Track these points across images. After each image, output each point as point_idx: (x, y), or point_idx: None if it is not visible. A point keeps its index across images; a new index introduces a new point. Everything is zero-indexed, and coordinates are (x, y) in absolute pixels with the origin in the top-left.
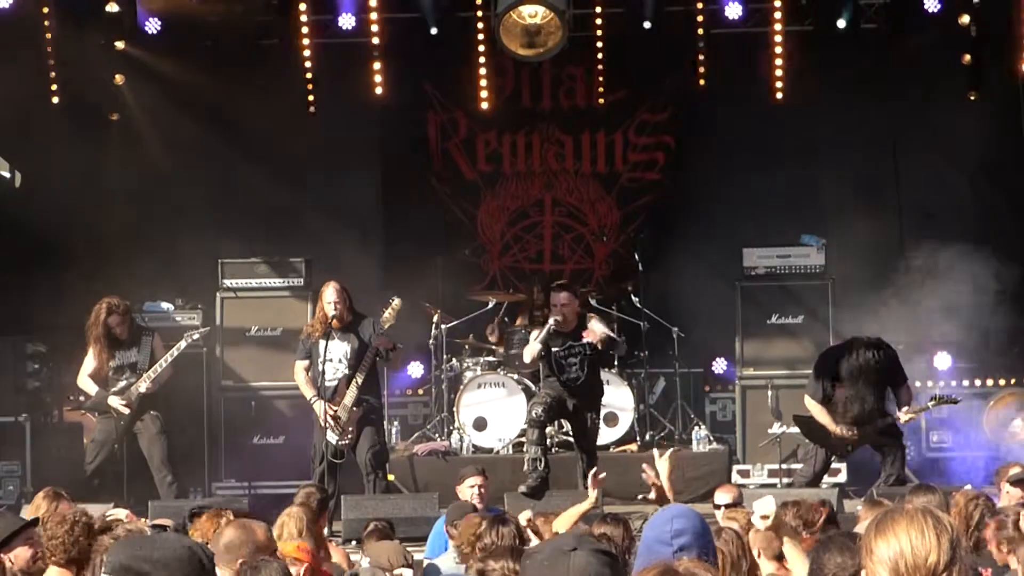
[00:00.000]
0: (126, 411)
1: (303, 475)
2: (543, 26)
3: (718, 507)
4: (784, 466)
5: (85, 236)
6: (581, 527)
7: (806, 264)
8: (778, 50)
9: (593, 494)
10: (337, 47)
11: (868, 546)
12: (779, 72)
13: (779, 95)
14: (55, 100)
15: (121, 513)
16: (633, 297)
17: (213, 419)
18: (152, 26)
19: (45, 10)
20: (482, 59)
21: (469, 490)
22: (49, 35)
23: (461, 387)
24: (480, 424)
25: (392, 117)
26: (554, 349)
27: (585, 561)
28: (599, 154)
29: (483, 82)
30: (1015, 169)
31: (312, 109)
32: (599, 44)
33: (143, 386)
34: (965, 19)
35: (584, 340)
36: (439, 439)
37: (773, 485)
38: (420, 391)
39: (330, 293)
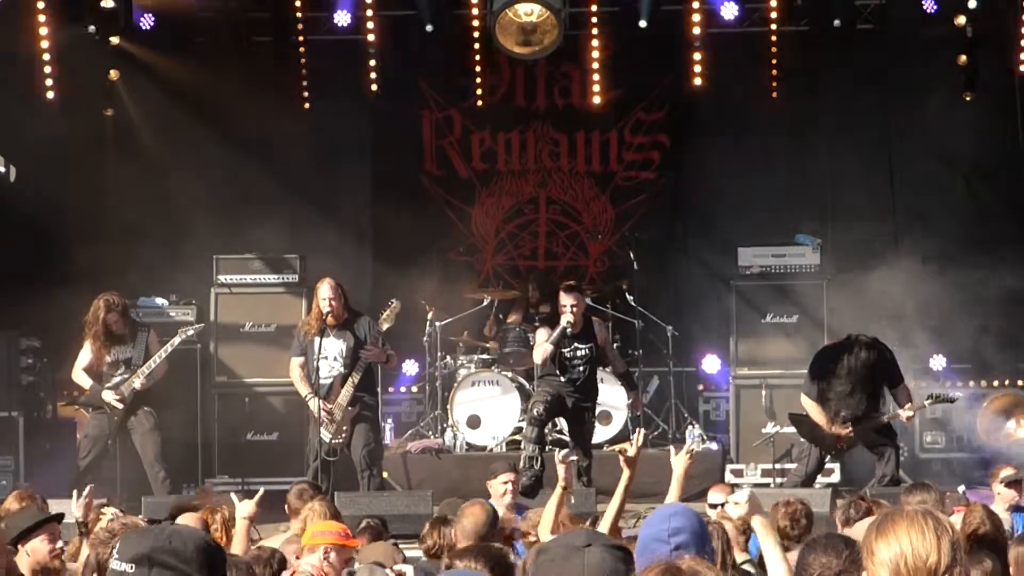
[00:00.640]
0: (120, 406)
1: (297, 471)
2: (539, 24)
3: (713, 507)
4: (778, 466)
5: (79, 231)
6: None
7: (801, 264)
8: (774, 50)
9: (561, 474)
10: (332, 44)
11: (869, 547)
12: (774, 72)
13: (774, 95)
14: (50, 95)
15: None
16: (627, 296)
17: (207, 415)
18: (147, 22)
19: (40, 5)
20: (477, 57)
21: (502, 486)
22: (44, 30)
23: (455, 385)
24: (474, 422)
25: (386, 114)
26: (561, 350)
27: (599, 557)
28: (594, 153)
29: (478, 80)
30: (1010, 169)
31: (307, 106)
32: (595, 43)
33: (137, 382)
34: (961, 19)
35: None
36: (433, 437)
37: (767, 485)
38: (414, 388)
39: (325, 290)
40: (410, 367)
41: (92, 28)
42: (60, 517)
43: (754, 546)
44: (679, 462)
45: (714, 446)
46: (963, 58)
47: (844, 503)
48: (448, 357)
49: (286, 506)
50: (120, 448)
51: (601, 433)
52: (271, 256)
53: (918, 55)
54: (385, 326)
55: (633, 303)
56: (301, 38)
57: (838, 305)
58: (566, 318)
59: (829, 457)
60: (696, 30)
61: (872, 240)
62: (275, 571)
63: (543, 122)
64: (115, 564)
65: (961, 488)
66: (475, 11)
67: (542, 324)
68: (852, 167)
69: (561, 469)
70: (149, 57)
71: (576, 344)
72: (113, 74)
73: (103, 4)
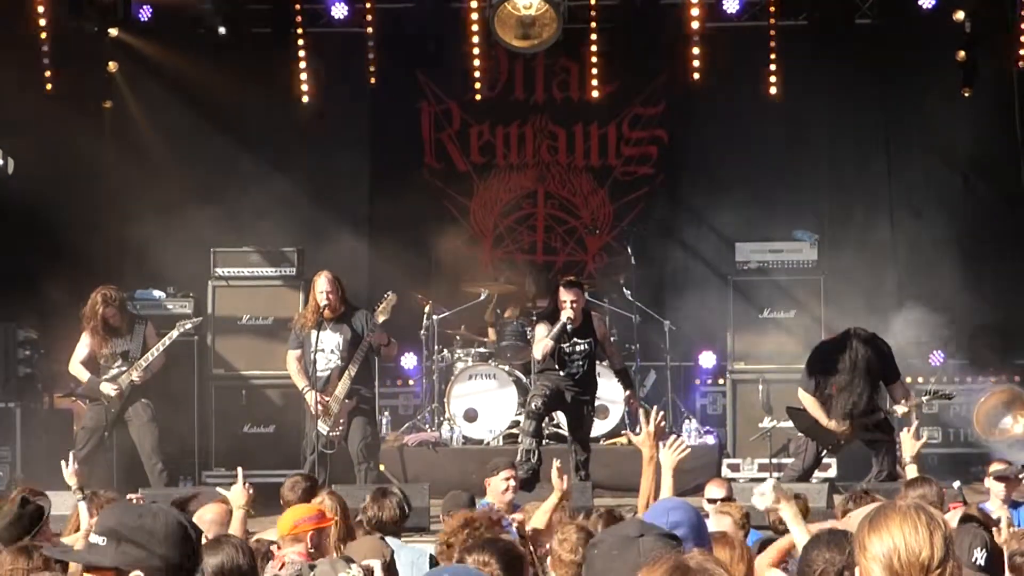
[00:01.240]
0: (117, 399)
1: (293, 464)
2: (537, 18)
3: (712, 501)
4: (774, 460)
5: (77, 223)
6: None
7: (798, 259)
8: (772, 44)
9: (558, 484)
10: (330, 36)
11: (862, 542)
12: (773, 67)
13: (773, 90)
14: (48, 87)
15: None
16: (625, 290)
17: (204, 408)
18: (145, 13)
19: None
20: (476, 50)
21: (504, 483)
22: (43, 22)
23: (452, 378)
24: (471, 415)
25: (385, 107)
26: (560, 345)
27: (653, 546)
28: (592, 147)
29: (477, 73)
30: (1008, 165)
31: (305, 99)
32: (593, 36)
33: (135, 375)
34: (960, 15)
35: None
36: (429, 430)
37: (763, 479)
38: (411, 382)
39: (323, 283)
40: (408, 360)
41: (91, 20)
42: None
43: (751, 540)
44: (665, 458)
45: (711, 440)
46: (962, 54)
47: (844, 496)
48: (445, 350)
49: (281, 499)
50: (116, 440)
51: (599, 427)
52: (269, 249)
53: (917, 50)
54: (381, 318)
55: (631, 298)
56: (300, 30)
57: (835, 300)
58: (566, 314)
59: (826, 452)
60: (695, 24)
61: (870, 236)
62: (261, 561)
63: (541, 116)
64: (92, 537)
65: (956, 484)
66: (474, 4)
67: (540, 319)
68: (850, 162)
69: (556, 478)
70: (148, 49)
71: (575, 339)
72: (112, 66)
73: None
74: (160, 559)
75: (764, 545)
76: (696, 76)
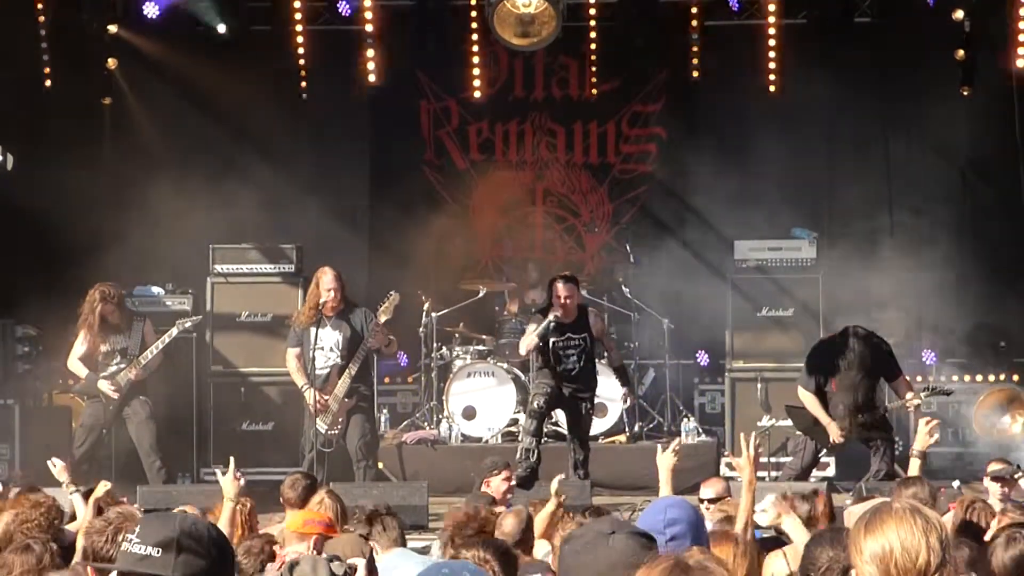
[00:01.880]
0: (115, 396)
1: (292, 462)
2: (537, 15)
3: (702, 501)
4: (773, 459)
5: (76, 219)
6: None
7: (797, 257)
8: (772, 43)
9: (553, 493)
10: (330, 34)
11: (857, 544)
12: (772, 65)
13: (772, 88)
14: (48, 83)
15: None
16: (624, 288)
17: (202, 405)
18: (151, 11)
19: None
20: (475, 48)
21: (504, 483)
22: (42, 18)
23: (451, 376)
24: (469, 413)
25: (384, 105)
26: (553, 340)
27: (624, 544)
28: (591, 145)
29: (476, 71)
30: (1006, 164)
31: (304, 96)
32: (592, 34)
33: (132, 373)
34: (959, 14)
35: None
36: (428, 428)
37: (762, 478)
38: (410, 379)
39: (329, 279)
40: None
41: (91, 16)
42: None
43: None
44: (665, 460)
45: (709, 439)
46: (961, 53)
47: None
48: (444, 348)
49: (281, 497)
50: (115, 437)
51: (597, 425)
52: (268, 246)
53: (916, 49)
54: (383, 318)
55: (629, 296)
56: (300, 28)
57: (834, 299)
58: (554, 311)
59: (824, 451)
60: (694, 22)
61: (868, 234)
62: (264, 561)
63: (541, 113)
64: (136, 548)
65: (956, 483)
66: (473, 1)
67: (535, 314)
68: (849, 161)
69: (553, 490)
70: (147, 46)
71: (569, 334)
72: (111, 63)
73: None
74: (217, 564)
75: (765, 546)
76: (695, 74)
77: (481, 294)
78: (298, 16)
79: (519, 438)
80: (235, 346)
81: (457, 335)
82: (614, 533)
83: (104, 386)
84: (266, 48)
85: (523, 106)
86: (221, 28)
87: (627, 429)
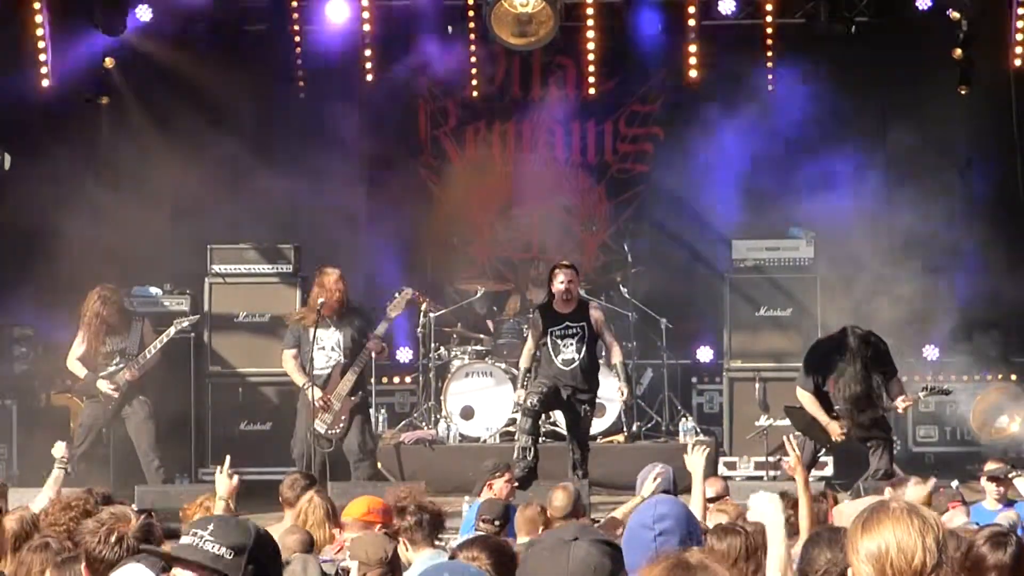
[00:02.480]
0: (115, 396)
1: (290, 462)
2: (534, 15)
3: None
4: (771, 459)
5: (74, 219)
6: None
7: (795, 257)
8: (769, 42)
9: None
10: (327, 33)
11: (854, 544)
12: (769, 64)
13: (770, 87)
14: (44, 83)
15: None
16: (621, 288)
17: (200, 405)
18: (144, 13)
19: None
20: (473, 48)
21: (507, 485)
22: (39, 18)
23: (449, 376)
24: (467, 413)
25: (382, 105)
26: (551, 328)
27: (585, 551)
28: (589, 144)
29: (473, 71)
30: (1005, 163)
31: (302, 95)
32: (590, 34)
33: (128, 374)
34: (956, 13)
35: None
36: (426, 428)
37: (760, 478)
38: (408, 379)
39: (335, 280)
40: (404, 355)
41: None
42: None
43: None
44: (694, 461)
45: (707, 439)
46: (958, 52)
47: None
48: (442, 348)
49: (279, 496)
50: (113, 436)
51: (595, 425)
52: (266, 246)
53: (914, 49)
54: (394, 313)
55: (627, 295)
56: (297, 27)
57: (832, 298)
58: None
59: (823, 450)
60: (691, 22)
61: (866, 233)
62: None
63: (538, 113)
64: (209, 546)
65: (955, 483)
66: (471, 1)
67: (535, 313)
68: (847, 159)
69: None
70: (145, 45)
71: (568, 323)
72: (108, 62)
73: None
74: None
75: None
76: (693, 74)
77: (479, 294)
78: (295, 16)
79: (515, 437)
80: (233, 346)
81: (455, 335)
82: (576, 540)
83: (104, 386)
84: (264, 47)
85: (521, 106)
86: None
87: (625, 429)
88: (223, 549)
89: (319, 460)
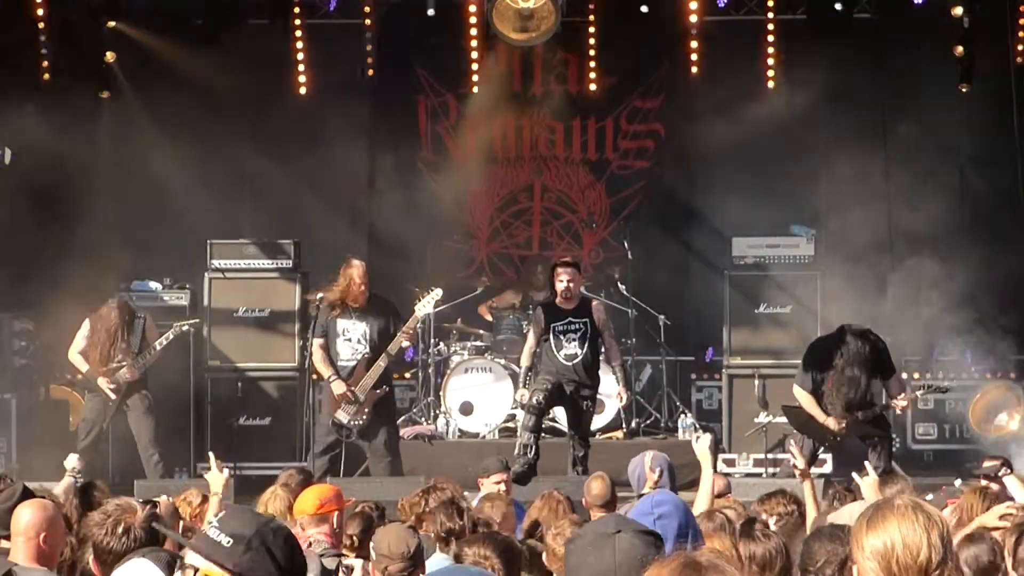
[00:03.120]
0: (114, 396)
1: (289, 456)
2: (536, 10)
3: None
4: (770, 456)
5: (74, 214)
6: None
7: (795, 254)
8: (770, 39)
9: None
10: (329, 28)
11: (859, 540)
12: (771, 61)
13: (771, 84)
14: (45, 77)
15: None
16: (621, 285)
17: (199, 399)
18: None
19: None
20: (474, 43)
21: (494, 486)
22: (40, 12)
23: (448, 371)
24: (466, 408)
25: (382, 99)
26: (554, 324)
27: (629, 543)
28: (590, 141)
29: (474, 66)
30: (1005, 160)
31: (303, 90)
32: (591, 30)
33: (128, 373)
34: (958, 10)
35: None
36: (425, 423)
37: (759, 475)
38: (407, 375)
39: (360, 272)
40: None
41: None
42: None
43: None
44: (702, 446)
45: (706, 435)
46: (960, 49)
47: (830, 494)
48: (441, 344)
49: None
50: (112, 431)
51: (595, 421)
52: (266, 241)
53: (915, 45)
54: (421, 312)
55: (626, 292)
56: (298, 21)
57: (832, 296)
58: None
59: (822, 448)
60: (693, 18)
61: (867, 231)
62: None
63: (539, 109)
64: (212, 532)
65: (957, 482)
66: None
67: (537, 308)
68: (847, 157)
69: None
70: (146, 39)
71: (570, 318)
72: (109, 56)
73: None
74: (278, 571)
75: None
76: (694, 70)
77: (480, 290)
78: (296, 10)
79: (518, 433)
80: (233, 341)
81: (455, 331)
82: (619, 532)
83: (103, 384)
84: (264, 42)
85: (521, 101)
86: None
87: (624, 425)
88: (222, 536)
89: (339, 452)
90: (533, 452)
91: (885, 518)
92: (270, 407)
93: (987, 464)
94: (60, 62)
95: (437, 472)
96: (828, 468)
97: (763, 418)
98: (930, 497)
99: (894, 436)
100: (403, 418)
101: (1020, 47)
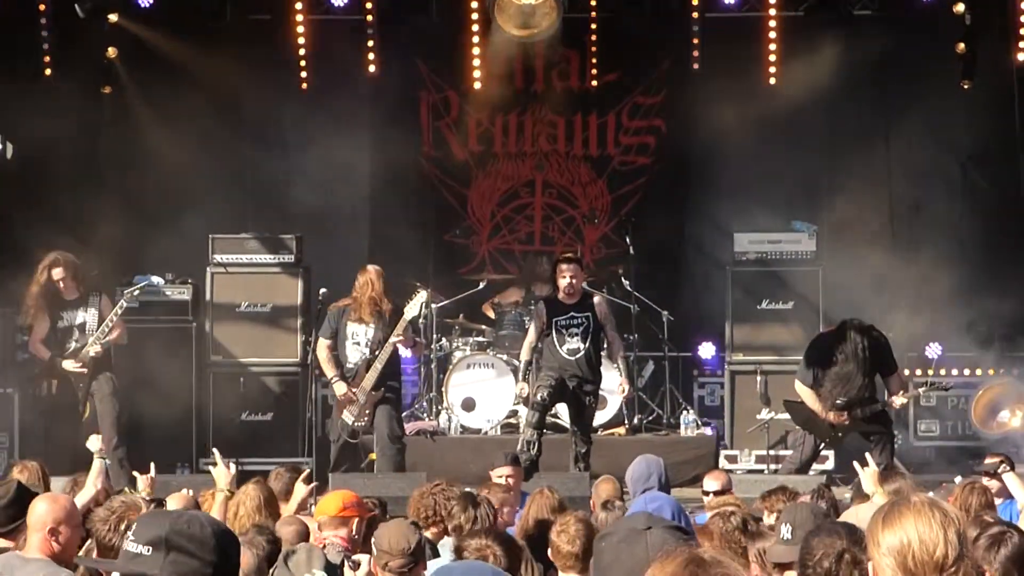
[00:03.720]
0: (83, 372)
1: (291, 452)
2: (537, 7)
3: (707, 493)
4: (772, 452)
5: (76, 209)
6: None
7: (797, 250)
8: (772, 35)
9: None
10: (330, 24)
11: (875, 538)
12: (772, 57)
13: (772, 80)
14: (47, 72)
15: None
16: (623, 281)
17: (201, 394)
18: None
19: None
20: (476, 39)
21: (499, 479)
22: (43, 7)
23: (450, 367)
24: (468, 404)
25: (384, 95)
26: (556, 319)
27: (662, 538)
28: (591, 136)
29: (476, 62)
30: (1007, 158)
31: (304, 86)
32: (593, 26)
33: (92, 350)
34: (960, 7)
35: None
36: (427, 419)
37: (761, 471)
38: (409, 370)
39: (375, 279)
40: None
41: (80, 10)
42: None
43: None
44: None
45: (709, 431)
46: (962, 46)
47: (814, 490)
48: (443, 339)
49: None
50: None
51: (597, 417)
52: (268, 235)
53: (917, 42)
54: (409, 315)
55: (629, 288)
56: (300, 17)
57: (834, 292)
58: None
59: (824, 445)
60: (695, 14)
61: (868, 227)
62: (267, 552)
63: (541, 105)
64: (131, 546)
65: (958, 479)
66: None
67: (538, 304)
68: (849, 154)
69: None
70: (147, 35)
71: (572, 313)
72: (111, 51)
73: None
74: (210, 566)
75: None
76: (696, 66)
77: (481, 285)
78: (298, 6)
79: (520, 429)
80: (234, 336)
81: (456, 326)
82: (650, 528)
83: (69, 365)
84: (266, 37)
85: (523, 97)
86: None
87: (626, 421)
88: (141, 547)
89: (348, 451)
90: (536, 449)
91: (902, 515)
92: (272, 403)
93: (988, 461)
94: (61, 56)
95: (439, 468)
96: (830, 464)
97: (765, 414)
98: (930, 495)
99: (896, 433)
100: (405, 414)
101: (1022, 44)
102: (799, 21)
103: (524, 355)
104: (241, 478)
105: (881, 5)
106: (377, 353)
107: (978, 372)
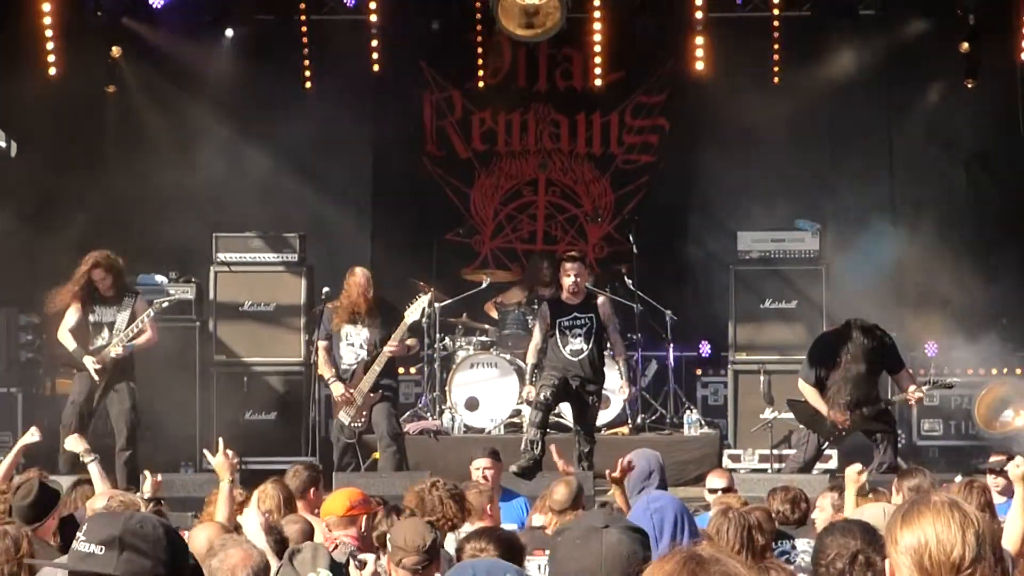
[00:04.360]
0: (97, 374)
1: (295, 451)
2: (541, 6)
3: (713, 491)
4: (775, 451)
5: (80, 207)
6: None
7: (800, 249)
8: (775, 35)
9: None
10: (334, 24)
11: (893, 536)
12: (776, 57)
13: (776, 80)
14: (52, 71)
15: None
16: (627, 280)
17: (205, 394)
18: (158, 1)
19: None
20: (479, 38)
21: (476, 472)
22: (48, 6)
23: (453, 366)
24: (472, 404)
25: (388, 95)
26: (559, 319)
27: (617, 538)
28: (594, 135)
29: (480, 61)
30: (1010, 157)
31: (308, 85)
32: (596, 25)
33: (114, 351)
34: (963, 6)
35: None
36: (431, 418)
37: (764, 470)
38: (412, 370)
39: (362, 281)
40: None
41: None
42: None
43: None
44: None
45: (712, 431)
46: (965, 45)
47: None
48: (447, 339)
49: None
50: (98, 421)
51: (600, 416)
52: (271, 234)
53: (920, 42)
54: (409, 319)
55: (632, 287)
56: (303, 17)
57: (837, 290)
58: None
59: (827, 443)
60: (698, 14)
61: (872, 226)
62: (275, 551)
63: (544, 104)
64: (81, 546)
65: (959, 478)
66: None
67: (543, 304)
68: (853, 153)
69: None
70: (151, 34)
71: (575, 314)
72: (115, 51)
73: None
74: (164, 566)
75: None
76: (699, 66)
77: (484, 284)
78: (301, 6)
79: (524, 429)
80: (238, 335)
81: (460, 326)
82: (607, 527)
83: (88, 362)
84: (269, 37)
85: (526, 96)
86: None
87: (630, 420)
88: (93, 547)
89: (351, 451)
90: (539, 448)
91: (920, 514)
92: (276, 401)
93: (993, 459)
94: (66, 56)
95: (442, 467)
96: (834, 463)
97: (769, 414)
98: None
99: (899, 432)
100: (408, 413)
101: None
102: (802, 21)
103: (530, 358)
104: (245, 477)
105: (885, 5)
106: (375, 355)
107: (981, 371)
